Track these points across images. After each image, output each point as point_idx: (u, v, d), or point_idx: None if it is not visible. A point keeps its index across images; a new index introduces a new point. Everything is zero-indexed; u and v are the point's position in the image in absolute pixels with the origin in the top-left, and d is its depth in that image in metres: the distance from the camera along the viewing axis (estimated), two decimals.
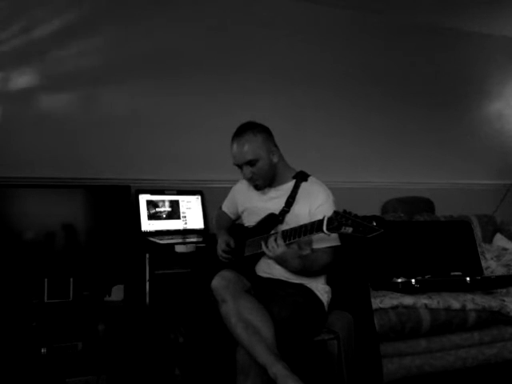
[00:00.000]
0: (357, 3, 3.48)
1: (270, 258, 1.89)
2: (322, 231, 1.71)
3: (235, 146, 2.02)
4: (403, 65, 3.79)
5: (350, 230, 1.65)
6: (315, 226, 1.75)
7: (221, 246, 2.15)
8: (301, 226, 1.82)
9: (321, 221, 1.73)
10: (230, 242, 2.14)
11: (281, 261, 1.88)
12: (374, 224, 1.63)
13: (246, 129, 2.02)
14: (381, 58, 3.71)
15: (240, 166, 2.04)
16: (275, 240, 1.84)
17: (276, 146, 2.08)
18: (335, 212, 1.70)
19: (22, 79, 2.79)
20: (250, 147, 1.98)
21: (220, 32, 3.21)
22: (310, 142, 3.42)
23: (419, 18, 3.77)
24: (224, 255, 2.13)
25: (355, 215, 1.67)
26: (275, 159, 2.04)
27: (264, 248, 1.88)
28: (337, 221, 1.67)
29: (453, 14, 3.68)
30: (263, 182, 2.06)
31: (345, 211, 1.69)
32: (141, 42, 3.02)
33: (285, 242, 1.83)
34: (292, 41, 3.43)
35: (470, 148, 4.02)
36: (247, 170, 2.02)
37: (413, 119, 3.82)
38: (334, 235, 1.87)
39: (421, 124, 3.84)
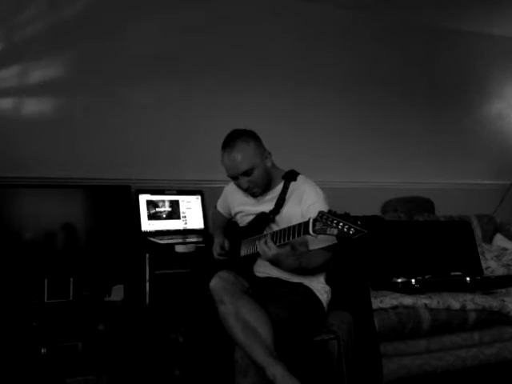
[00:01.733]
0: (357, 3, 3.47)
1: (264, 260, 1.88)
2: (309, 233, 1.67)
3: (227, 158, 1.92)
4: (403, 65, 3.79)
5: (335, 231, 1.59)
6: (302, 228, 1.71)
7: (216, 249, 2.15)
8: (289, 228, 1.78)
9: (306, 223, 1.69)
10: (224, 245, 2.14)
11: (275, 262, 1.84)
12: (359, 223, 1.57)
13: (235, 138, 1.93)
14: (381, 57, 3.71)
15: (235, 178, 1.97)
16: (265, 243, 1.80)
17: (265, 148, 2.02)
18: (320, 212, 1.64)
19: (22, 79, 2.80)
20: (245, 157, 1.90)
21: (219, 34, 3.21)
22: (310, 142, 3.42)
23: (419, 19, 3.77)
24: (221, 258, 2.13)
25: (340, 215, 1.61)
26: (269, 163, 1.98)
27: (259, 249, 1.84)
28: (322, 222, 1.62)
29: (453, 14, 3.68)
30: (261, 190, 2.00)
31: (330, 211, 1.64)
32: (140, 46, 3.01)
33: (275, 244, 1.79)
34: (292, 41, 3.43)
35: (470, 148, 4.02)
36: (243, 180, 1.95)
37: (413, 119, 3.82)
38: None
39: (421, 124, 3.84)
